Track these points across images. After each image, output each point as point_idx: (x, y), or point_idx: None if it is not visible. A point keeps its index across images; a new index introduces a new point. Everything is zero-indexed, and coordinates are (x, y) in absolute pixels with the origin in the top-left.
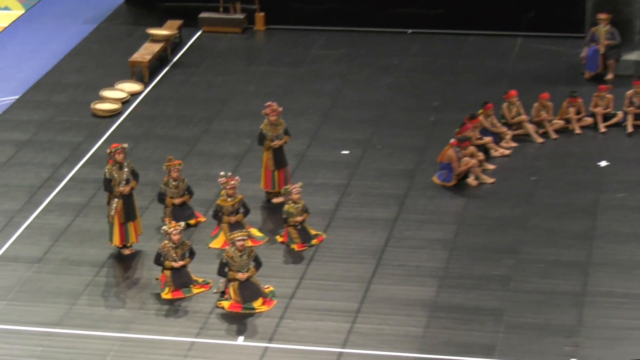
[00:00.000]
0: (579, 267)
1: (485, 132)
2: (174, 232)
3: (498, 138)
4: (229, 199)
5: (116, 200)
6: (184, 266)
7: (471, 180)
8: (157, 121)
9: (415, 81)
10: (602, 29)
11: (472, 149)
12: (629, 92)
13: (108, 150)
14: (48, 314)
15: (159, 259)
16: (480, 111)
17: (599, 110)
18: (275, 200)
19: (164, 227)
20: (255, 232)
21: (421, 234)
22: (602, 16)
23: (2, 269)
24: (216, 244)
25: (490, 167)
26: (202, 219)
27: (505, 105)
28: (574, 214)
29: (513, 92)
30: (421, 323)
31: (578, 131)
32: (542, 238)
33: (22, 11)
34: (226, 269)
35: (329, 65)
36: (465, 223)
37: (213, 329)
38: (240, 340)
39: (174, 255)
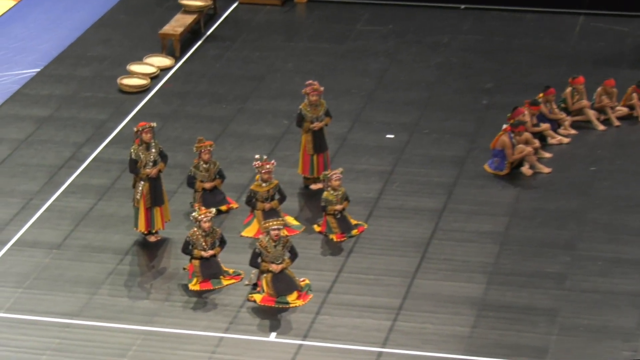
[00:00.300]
0: None
1: (542, 118)
2: (204, 218)
3: (556, 124)
4: (263, 184)
5: (142, 183)
6: (213, 256)
7: (526, 169)
8: (188, 99)
9: (467, 61)
10: None
11: (527, 135)
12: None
13: (135, 129)
14: (66, 303)
15: (187, 248)
16: (540, 95)
17: None
18: (314, 186)
19: (193, 214)
20: (291, 220)
21: (470, 226)
22: None
23: (19, 255)
24: (249, 232)
25: (547, 155)
26: (235, 205)
27: (569, 90)
28: (636, 207)
29: (581, 79)
30: (468, 322)
31: None
32: (601, 233)
33: None
34: (259, 260)
35: (375, 42)
36: (517, 215)
37: (243, 323)
38: (273, 336)
39: (204, 243)
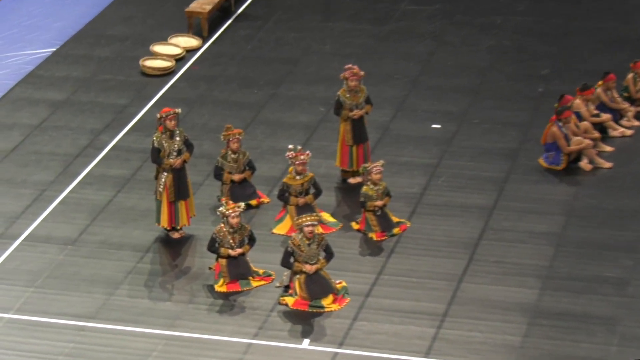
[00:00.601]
0: None
1: (602, 107)
2: (232, 214)
3: (618, 115)
4: (297, 177)
5: (165, 174)
6: (242, 254)
7: (584, 163)
8: (216, 83)
9: (522, 44)
10: None
11: (586, 125)
12: None
13: (158, 116)
14: (82, 304)
15: (213, 245)
16: (600, 83)
17: None
18: (352, 180)
19: (220, 208)
20: (327, 216)
21: (523, 226)
22: None
23: (31, 251)
24: (281, 229)
25: (608, 148)
26: (266, 200)
27: (630, 76)
28: None
29: None
30: (519, 331)
31: None
32: None
33: None
34: (291, 260)
35: (420, 23)
36: (575, 214)
37: (274, 329)
38: (306, 343)
39: (231, 241)
